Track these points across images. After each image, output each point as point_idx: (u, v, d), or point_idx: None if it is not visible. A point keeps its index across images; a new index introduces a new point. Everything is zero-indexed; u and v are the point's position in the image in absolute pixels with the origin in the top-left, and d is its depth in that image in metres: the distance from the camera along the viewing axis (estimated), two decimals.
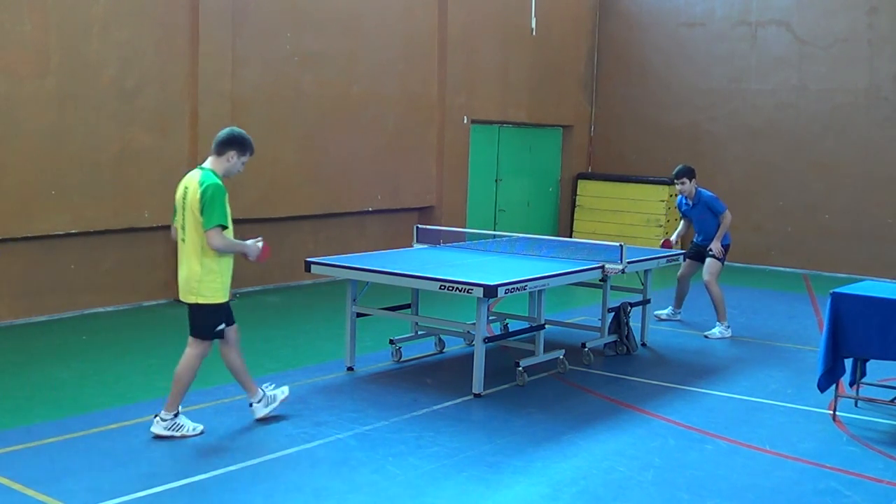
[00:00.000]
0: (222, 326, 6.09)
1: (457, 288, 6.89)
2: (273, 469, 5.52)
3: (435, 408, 6.79)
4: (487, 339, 7.27)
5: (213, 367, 8.01)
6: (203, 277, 5.90)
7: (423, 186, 13.51)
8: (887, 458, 6.08)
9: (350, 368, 7.74)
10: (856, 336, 6.58)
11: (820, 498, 5.35)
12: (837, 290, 6.75)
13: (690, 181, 9.71)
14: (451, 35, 13.48)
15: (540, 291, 7.62)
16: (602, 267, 7.96)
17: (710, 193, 9.85)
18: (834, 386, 6.84)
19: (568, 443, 6.14)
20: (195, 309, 6.02)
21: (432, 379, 7.66)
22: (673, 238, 9.97)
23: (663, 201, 15.37)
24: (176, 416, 6.01)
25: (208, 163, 6.01)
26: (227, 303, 6.08)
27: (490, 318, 8.75)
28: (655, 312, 10.03)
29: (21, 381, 7.21)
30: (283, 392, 6.54)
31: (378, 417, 6.46)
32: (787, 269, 14.80)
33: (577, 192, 16.33)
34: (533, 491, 5.33)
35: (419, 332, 8.40)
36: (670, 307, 10.32)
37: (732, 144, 15.35)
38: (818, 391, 6.83)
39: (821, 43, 14.52)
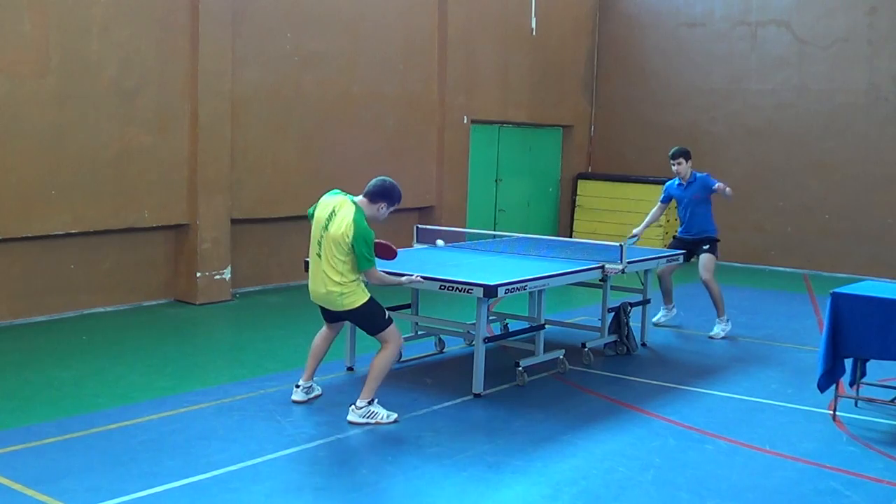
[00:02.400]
0: (388, 315, 6.56)
1: (457, 288, 6.89)
2: (273, 469, 5.52)
3: (435, 408, 6.79)
4: (487, 339, 7.27)
5: (214, 367, 8.03)
6: (343, 291, 6.34)
7: (423, 186, 13.51)
8: (887, 458, 6.08)
9: (350, 368, 7.74)
10: (856, 336, 6.57)
11: (820, 498, 5.35)
12: (837, 290, 6.74)
13: (687, 162, 9.53)
14: (451, 35, 13.48)
15: (540, 291, 7.63)
16: (602, 267, 7.96)
17: (704, 173, 9.67)
18: (834, 386, 6.84)
19: (568, 443, 6.14)
20: (355, 312, 6.41)
21: (432, 379, 7.66)
22: (638, 231, 9.58)
23: None
24: (370, 402, 6.37)
25: (360, 201, 6.43)
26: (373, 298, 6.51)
27: (490, 318, 8.75)
28: (653, 320, 9.74)
29: (21, 381, 7.21)
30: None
31: None
32: (787, 269, 14.80)
33: (577, 192, 16.33)
34: (533, 491, 5.33)
35: (419, 332, 8.40)
36: (662, 309, 10.08)
37: (732, 144, 15.35)
38: (818, 391, 6.83)
39: (821, 43, 14.53)
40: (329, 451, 5.85)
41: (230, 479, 5.33)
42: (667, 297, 10.07)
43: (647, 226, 9.81)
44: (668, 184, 9.89)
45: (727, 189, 9.46)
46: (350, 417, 6.33)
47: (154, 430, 6.09)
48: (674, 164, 9.56)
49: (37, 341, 8.59)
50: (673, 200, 9.86)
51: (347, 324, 7.51)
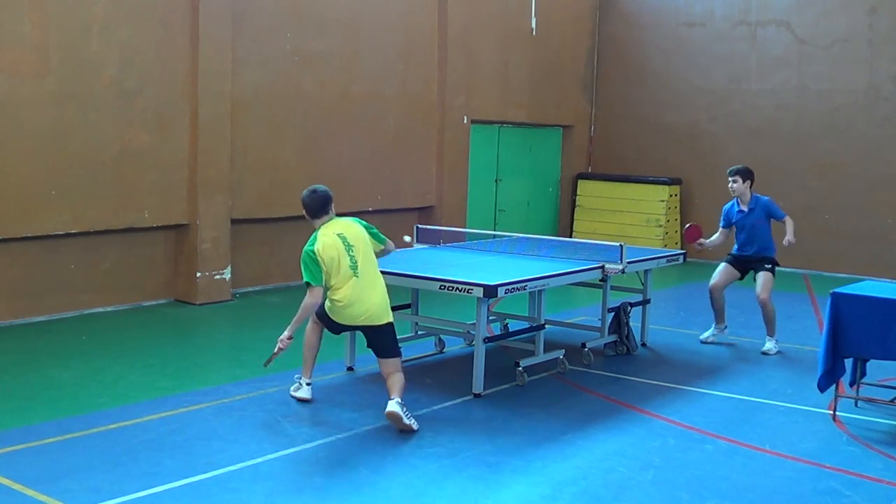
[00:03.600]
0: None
1: (457, 288, 6.89)
2: (273, 469, 5.52)
3: (435, 408, 6.79)
4: (487, 339, 7.27)
5: (214, 367, 8.03)
6: (387, 300, 6.63)
7: (423, 186, 13.51)
8: (887, 458, 6.08)
9: (350, 368, 7.74)
10: (856, 336, 6.57)
11: (820, 498, 5.35)
12: (837, 290, 6.74)
13: (744, 181, 8.99)
14: (451, 35, 13.48)
15: (540, 291, 7.63)
16: (602, 267, 7.96)
17: (768, 198, 9.17)
18: (834, 386, 6.84)
19: (568, 443, 6.14)
20: (389, 328, 6.58)
21: (432, 379, 7.66)
22: (708, 242, 9.14)
23: (663, 201, 15.37)
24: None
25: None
26: None
27: (490, 318, 8.75)
28: (700, 339, 9.29)
29: (21, 381, 7.21)
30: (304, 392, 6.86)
31: (378, 417, 6.45)
32: (787, 269, 14.78)
33: (577, 192, 16.33)
34: (533, 491, 5.33)
35: (419, 332, 8.40)
36: (712, 327, 9.38)
37: (732, 144, 15.35)
38: (818, 391, 6.84)
39: (821, 43, 14.52)
40: (329, 451, 5.85)
41: (230, 479, 5.33)
42: (719, 316, 9.35)
43: (713, 245, 9.31)
44: (727, 208, 9.28)
45: (793, 241, 9.13)
46: (394, 409, 6.20)
47: (154, 430, 6.09)
48: (729, 181, 9.04)
49: (37, 341, 8.59)
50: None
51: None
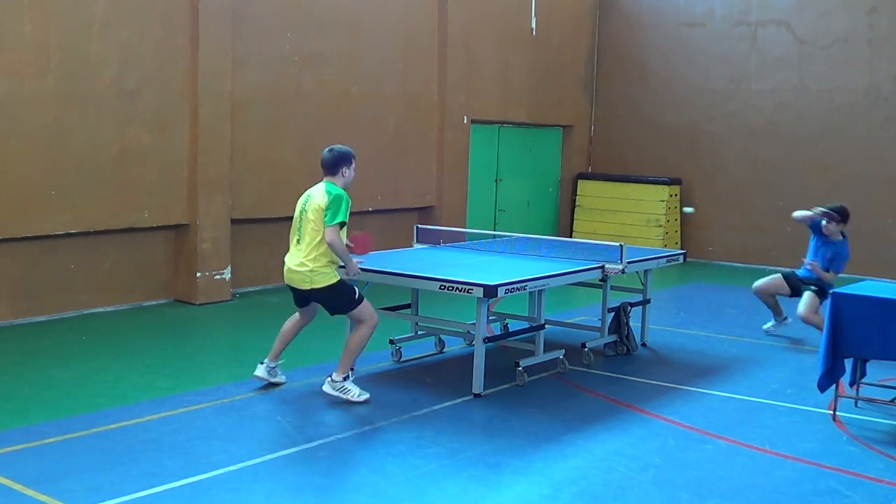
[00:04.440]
0: (359, 293, 6.80)
1: (457, 288, 6.89)
2: (273, 469, 5.52)
3: (435, 408, 6.79)
4: (487, 339, 7.27)
5: (214, 367, 8.03)
6: (314, 268, 6.65)
7: (423, 186, 13.51)
8: (887, 458, 6.08)
9: (350, 368, 7.72)
10: (856, 336, 6.58)
11: (820, 498, 5.35)
12: (837, 290, 6.75)
13: (838, 225, 9.13)
14: (451, 35, 13.48)
15: (540, 291, 7.63)
16: (602, 267, 7.96)
17: (846, 251, 9.27)
18: (834, 386, 6.84)
19: (568, 443, 6.14)
20: (317, 292, 6.71)
21: (432, 379, 7.66)
22: (802, 214, 9.22)
23: (663, 201, 15.37)
24: (345, 378, 6.74)
25: (326, 180, 6.77)
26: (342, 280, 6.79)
27: (490, 318, 8.75)
28: (763, 328, 9.68)
29: (21, 381, 7.21)
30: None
31: (378, 417, 6.46)
32: (787, 269, 14.77)
33: (577, 192, 16.33)
34: (533, 491, 5.33)
35: (419, 332, 8.40)
36: (772, 319, 9.71)
37: (732, 144, 15.35)
38: (818, 391, 6.84)
39: (821, 43, 14.53)
40: (329, 451, 5.85)
41: (230, 479, 5.33)
42: (775, 311, 9.65)
43: (805, 217, 9.31)
44: (814, 222, 9.33)
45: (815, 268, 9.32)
46: (325, 388, 6.76)
47: (154, 430, 6.09)
48: (823, 223, 9.18)
49: (37, 341, 8.59)
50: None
51: (348, 322, 7.51)
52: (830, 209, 9.18)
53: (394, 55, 12.80)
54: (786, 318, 9.66)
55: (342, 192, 6.68)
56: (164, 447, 5.78)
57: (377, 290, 7.92)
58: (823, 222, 9.15)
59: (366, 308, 6.80)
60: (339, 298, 6.75)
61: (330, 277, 6.68)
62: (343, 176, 6.79)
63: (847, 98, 14.36)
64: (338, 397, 6.72)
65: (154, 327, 9.43)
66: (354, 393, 6.74)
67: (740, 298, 11.56)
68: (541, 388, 7.42)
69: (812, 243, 9.44)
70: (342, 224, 6.61)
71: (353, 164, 6.86)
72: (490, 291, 6.77)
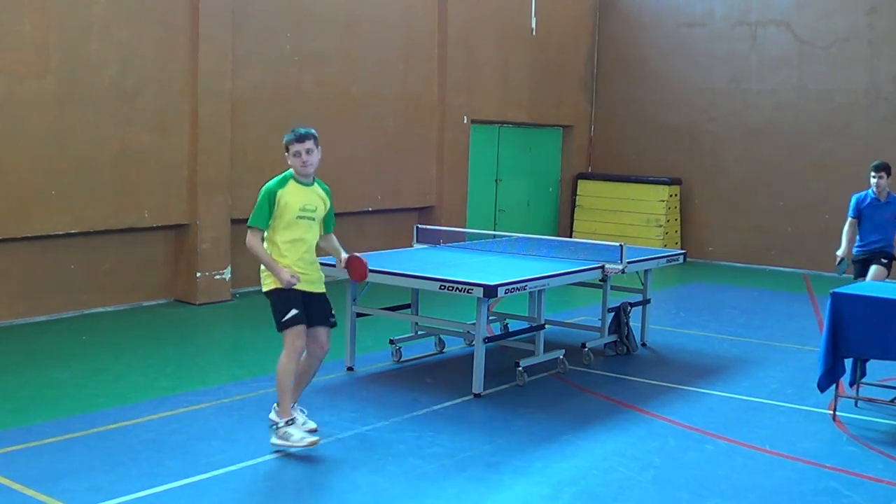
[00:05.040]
0: (290, 315, 5.68)
1: (457, 288, 6.89)
2: (273, 469, 5.52)
3: (435, 408, 6.79)
4: (487, 339, 7.27)
5: (214, 367, 8.03)
6: (261, 269, 5.98)
7: (423, 186, 13.51)
8: (887, 458, 6.08)
9: (350, 368, 7.74)
10: (856, 336, 6.57)
11: (820, 498, 5.35)
12: (837, 289, 6.74)
13: (888, 177, 8.83)
14: (451, 35, 13.48)
15: (540, 291, 7.63)
16: (602, 267, 7.96)
17: None
18: (834, 386, 6.84)
19: (568, 443, 6.14)
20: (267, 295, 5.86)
21: (432, 379, 7.66)
22: (843, 252, 8.88)
23: (663, 201, 15.37)
24: (287, 423, 5.71)
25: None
26: (283, 290, 5.74)
27: (490, 318, 8.75)
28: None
29: (21, 381, 7.21)
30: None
31: (378, 417, 6.46)
32: (787, 269, 14.80)
33: (577, 192, 16.33)
34: (533, 491, 5.33)
35: (419, 332, 8.40)
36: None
37: (732, 144, 15.35)
38: (818, 391, 6.83)
39: (821, 43, 14.52)
40: (329, 451, 5.85)
41: (230, 479, 5.33)
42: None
43: (851, 244, 8.99)
44: (857, 197, 9.03)
45: None
46: (271, 440, 5.73)
47: (154, 430, 6.09)
48: (875, 177, 8.84)
49: (37, 341, 8.59)
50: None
51: (348, 323, 7.52)
52: (879, 165, 8.90)
53: (394, 55, 12.80)
54: None
55: (270, 184, 5.89)
56: (164, 447, 5.78)
57: (377, 290, 7.92)
58: (874, 180, 8.83)
59: (289, 335, 5.69)
60: (271, 310, 5.83)
61: (267, 284, 5.87)
62: (294, 158, 5.85)
63: (847, 98, 14.36)
64: (282, 445, 5.68)
65: (154, 327, 9.43)
66: (296, 438, 5.65)
67: (740, 298, 11.56)
68: (541, 388, 7.42)
69: (871, 222, 8.90)
70: (257, 228, 5.93)
71: (290, 151, 5.82)
72: (490, 291, 6.77)
